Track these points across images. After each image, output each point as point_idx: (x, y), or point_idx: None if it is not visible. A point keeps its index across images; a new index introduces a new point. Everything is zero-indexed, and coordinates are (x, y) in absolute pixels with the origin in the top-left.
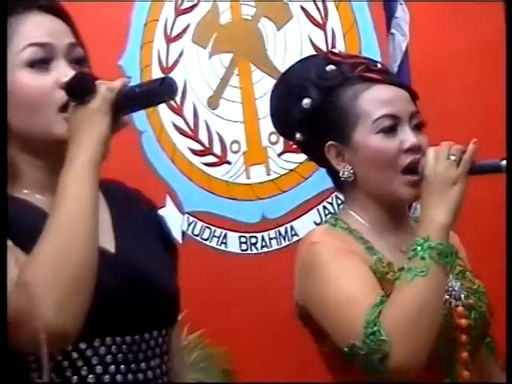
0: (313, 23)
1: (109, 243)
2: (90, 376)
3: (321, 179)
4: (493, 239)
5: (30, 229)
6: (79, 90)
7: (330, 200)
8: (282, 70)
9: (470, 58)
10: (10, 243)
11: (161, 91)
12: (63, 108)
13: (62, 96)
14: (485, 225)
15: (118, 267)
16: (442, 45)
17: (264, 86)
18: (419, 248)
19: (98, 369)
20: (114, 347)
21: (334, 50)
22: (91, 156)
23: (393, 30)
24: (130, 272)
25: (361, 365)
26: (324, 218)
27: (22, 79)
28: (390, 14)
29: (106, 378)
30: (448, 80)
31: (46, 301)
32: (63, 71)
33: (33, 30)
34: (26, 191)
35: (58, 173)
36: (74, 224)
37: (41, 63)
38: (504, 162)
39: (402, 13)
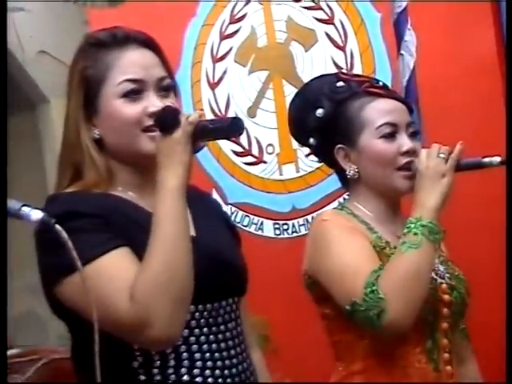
0: (335, 46)
1: (190, 229)
2: None
3: None
4: (487, 233)
5: (125, 218)
6: (168, 123)
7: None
8: None
9: (471, 72)
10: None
11: (229, 129)
12: (147, 129)
13: (147, 122)
14: (478, 218)
15: (199, 248)
16: (444, 62)
17: None
18: (413, 225)
19: (185, 332)
20: (197, 314)
21: (343, 71)
22: (178, 182)
23: (402, 52)
24: (208, 251)
25: (360, 320)
26: None
27: (116, 107)
28: (399, 38)
29: (192, 339)
30: (450, 92)
31: (159, 317)
32: (151, 102)
33: (128, 66)
34: (120, 189)
35: (145, 174)
36: (174, 245)
37: (133, 94)
38: (486, 159)
39: (409, 37)
